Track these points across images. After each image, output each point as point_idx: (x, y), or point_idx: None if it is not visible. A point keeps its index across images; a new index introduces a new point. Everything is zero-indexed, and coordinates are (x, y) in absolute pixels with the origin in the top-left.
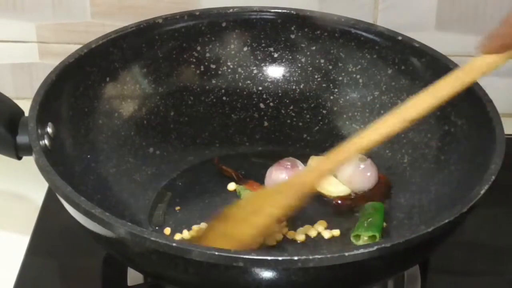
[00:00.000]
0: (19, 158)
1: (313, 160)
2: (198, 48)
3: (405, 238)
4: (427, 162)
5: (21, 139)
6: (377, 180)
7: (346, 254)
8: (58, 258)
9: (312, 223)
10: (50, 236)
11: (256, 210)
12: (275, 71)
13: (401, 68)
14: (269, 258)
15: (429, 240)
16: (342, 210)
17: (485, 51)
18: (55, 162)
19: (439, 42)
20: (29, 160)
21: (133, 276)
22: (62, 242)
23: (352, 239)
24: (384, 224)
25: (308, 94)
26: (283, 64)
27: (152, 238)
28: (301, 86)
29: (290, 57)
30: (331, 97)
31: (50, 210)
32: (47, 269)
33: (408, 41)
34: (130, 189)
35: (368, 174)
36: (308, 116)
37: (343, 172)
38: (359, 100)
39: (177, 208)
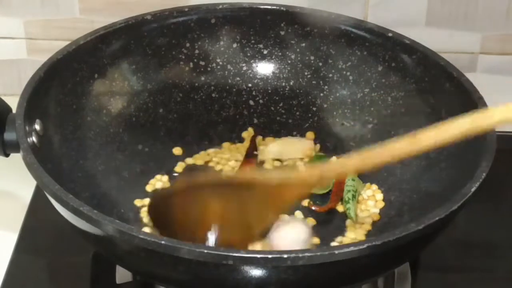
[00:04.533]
0: (7, 155)
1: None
2: (187, 44)
3: (395, 236)
4: (418, 159)
5: (9, 136)
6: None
7: (336, 252)
8: (46, 256)
9: None
10: (38, 234)
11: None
12: (264, 68)
13: (392, 65)
14: (258, 256)
15: (419, 237)
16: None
17: None
18: (43, 159)
19: (430, 38)
20: (16, 157)
21: (122, 274)
22: (50, 239)
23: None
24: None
25: (298, 91)
26: (272, 61)
27: (141, 236)
28: (291, 83)
29: (280, 53)
30: (321, 94)
31: (38, 207)
32: (35, 267)
33: (399, 38)
34: (118, 186)
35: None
36: (298, 113)
37: None
38: (349, 97)
39: None
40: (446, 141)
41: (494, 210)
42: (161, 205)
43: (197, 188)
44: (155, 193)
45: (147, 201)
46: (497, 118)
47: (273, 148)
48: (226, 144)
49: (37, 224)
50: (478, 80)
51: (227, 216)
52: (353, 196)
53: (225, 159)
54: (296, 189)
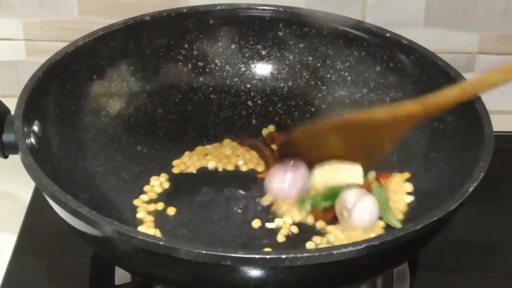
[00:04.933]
0: (5, 156)
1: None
2: (186, 45)
3: (393, 236)
4: (416, 159)
5: (7, 137)
6: None
7: (334, 252)
8: (45, 257)
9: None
10: (37, 235)
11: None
12: (263, 69)
13: (390, 65)
14: (256, 256)
15: (417, 237)
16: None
17: None
18: (41, 160)
19: (428, 39)
20: (15, 159)
21: (121, 275)
22: (49, 240)
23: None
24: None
25: (296, 91)
26: (271, 61)
27: (139, 237)
28: (289, 84)
29: (278, 54)
30: (319, 95)
31: (37, 208)
32: (34, 268)
33: (397, 38)
34: (117, 187)
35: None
36: (296, 113)
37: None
38: (348, 98)
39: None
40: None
41: (492, 210)
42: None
43: (318, 131)
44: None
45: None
46: (481, 85)
47: (321, 176)
48: (226, 141)
49: (36, 225)
50: None
51: (346, 150)
52: (386, 206)
53: (223, 155)
54: (404, 124)
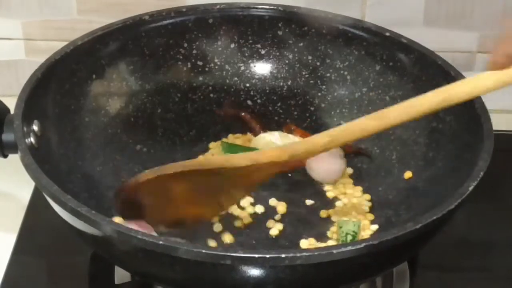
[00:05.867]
0: (5, 156)
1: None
2: (185, 45)
3: (393, 235)
4: (415, 159)
5: (7, 137)
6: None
7: (334, 251)
8: (45, 256)
9: None
10: (37, 234)
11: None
12: (262, 68)
13: (389, 64)
14: (256, 255)
15: (417, 237)
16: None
17: (493, 68)
18: (41, 160)
19: (427, 38)
20: (15, 158)
21: (121, 274)
22: (49, 240)
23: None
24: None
25: (295, 91)
26: (270, 60)
27: (139, 236)
28: (289, 83)
29: (278, 53)
30: (319, 94)
31: (37, 208)
32: (34, 267)
33: (396, 37)
34: (117, 187)
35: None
36: (295, 113)
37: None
38: (347, 97)
39: None
40: (414, 117)
41: (492, 209)
42: (129, 197)
43: (164, 178)
44: (121, 186)
45: None
46: (465, 89)
47: (267, 138)
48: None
49: (36, 225)
50: None
51: (195, 198)
52: (353, 238)
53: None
54: (265, 171)
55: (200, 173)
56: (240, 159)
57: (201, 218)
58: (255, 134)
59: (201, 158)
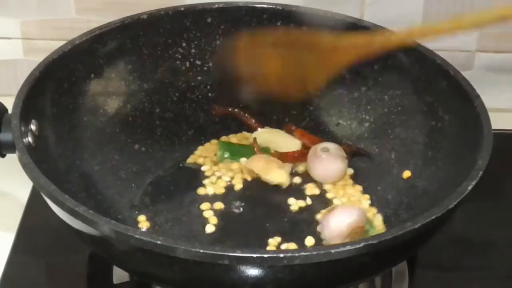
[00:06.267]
0: (3, 155)
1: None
2: (183, 44)
3: (392, 235)
4: (414, 158)
5: (5, 136)
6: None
7: (332, 251)
8: (43, 256)
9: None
10: (35, 234)
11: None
12: None
13: (388, 63)
14: (254, 255)
15: (416, 236)
16: (299, 222)
17: None
18: (39, 159)
19: None
20: (13, 158)
21: (119, 274)
22: (47, 239)
23: None
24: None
25: None
26: None
27: (137, 236)
28: None
29: None
30: (318, 93)
31: (35, 207)
32: (32, 267)
33: None
34: (115, 186)
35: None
36: (294, 112)
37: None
38: (346, 96)
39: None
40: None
41: (491, 209)
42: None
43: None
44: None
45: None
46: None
47: (263, 135)
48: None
49: (34, 224)
50: (475, 78)
51: (285, 69)
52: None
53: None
54: (348, 52)
55: (293, 45)
56: (333, 37)
57: (287, 95)
58: (252, 129)
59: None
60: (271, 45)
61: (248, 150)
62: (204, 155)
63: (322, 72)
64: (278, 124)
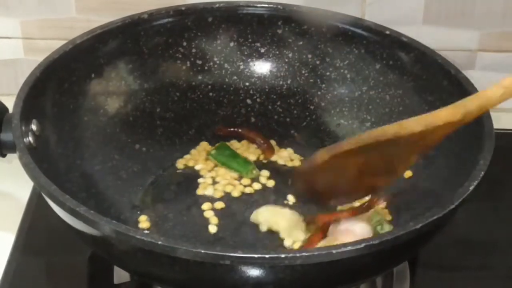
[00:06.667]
0: (3, 155)
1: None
2: (184, 43)
3: (393, 235)
4: None
5: (5, 136)
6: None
7: (334, 251)
8: (44, 256)
9: None
10: (36, 234)
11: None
12: (262, 67)
13: (389, 63)
14: (255, 255)
15: (417, 236)
16: None
17: None
18: (39, 159)
19: (427, 36)
20: (13, 158)
21: (120, 274)
22: (47, 239)
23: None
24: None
25: (295, 89)
26: (270, 59)
27: (138, 236)
28: (288, 82)
29: (277, 52)
30: (319, 93)
31: (35, 207)
32: (32, 267)
33: (396, 36)
34: (115, 186)
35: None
36: (295, 111)
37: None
38: (347, 96)
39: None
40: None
41: (492, 209)
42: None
43: (339, 156)
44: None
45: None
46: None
47: (263, 213)
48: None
49: (35, 224)
50: (476, 77)
51: (369, 169)
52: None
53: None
54: (439, 132)
55: (374, 145)
56: (414, 125)
57: (375, 188)
58: (258, 146)
59: (373, 130)
60: (352, 153)
61: (241, 161)
62: (196, 158)
63: (412, 156)
64: (278, 124)
